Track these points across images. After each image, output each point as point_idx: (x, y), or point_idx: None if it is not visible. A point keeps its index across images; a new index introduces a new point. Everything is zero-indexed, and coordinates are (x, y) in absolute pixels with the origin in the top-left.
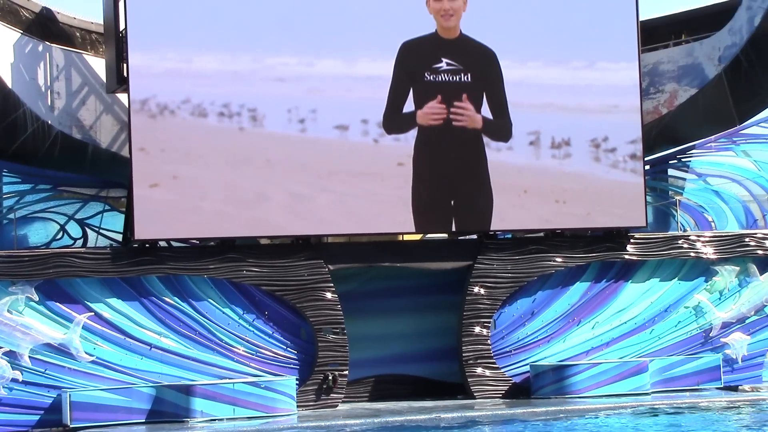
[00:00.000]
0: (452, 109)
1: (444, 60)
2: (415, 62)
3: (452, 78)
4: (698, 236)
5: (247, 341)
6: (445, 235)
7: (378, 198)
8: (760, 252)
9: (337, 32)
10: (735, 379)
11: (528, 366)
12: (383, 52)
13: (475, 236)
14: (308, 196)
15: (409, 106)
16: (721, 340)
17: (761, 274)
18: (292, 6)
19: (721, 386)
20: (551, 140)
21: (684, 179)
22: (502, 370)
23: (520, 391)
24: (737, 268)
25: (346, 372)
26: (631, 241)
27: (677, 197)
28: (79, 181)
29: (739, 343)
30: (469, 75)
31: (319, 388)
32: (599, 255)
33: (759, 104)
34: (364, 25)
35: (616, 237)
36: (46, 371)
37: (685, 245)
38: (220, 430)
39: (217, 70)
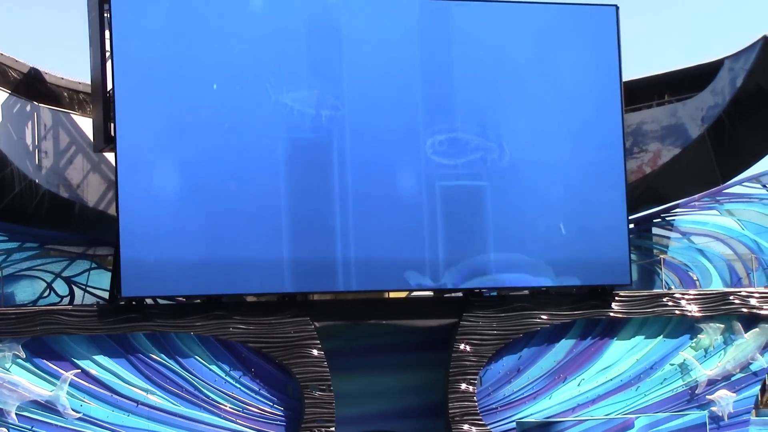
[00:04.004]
0: None
1: None
2: None
3: None
4: (683, 294)
5: (234, 398)
6: (431, 293)
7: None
8: (744, 310)
9: None
10: None
11: (514, 423)
12: None
13: (460, 294)
14: (295, 253)
15: None
16: (707, 397)
17: (746, 331)
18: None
19: None
20: (537, 199)
21: (668, 238)
22: (489, 427)
23: None
24: (722, 326)
25: (333, 429)
26: (616, 298)
27: (661, 256)
28: (66, 239)
29: (725, 401)
30: None
31: None
32: (584, 312)
33: (742, 164)
34: None
35: (601, 295)
36: (33, 428)
37: (670, 303)
38: None
39: (205, 126)
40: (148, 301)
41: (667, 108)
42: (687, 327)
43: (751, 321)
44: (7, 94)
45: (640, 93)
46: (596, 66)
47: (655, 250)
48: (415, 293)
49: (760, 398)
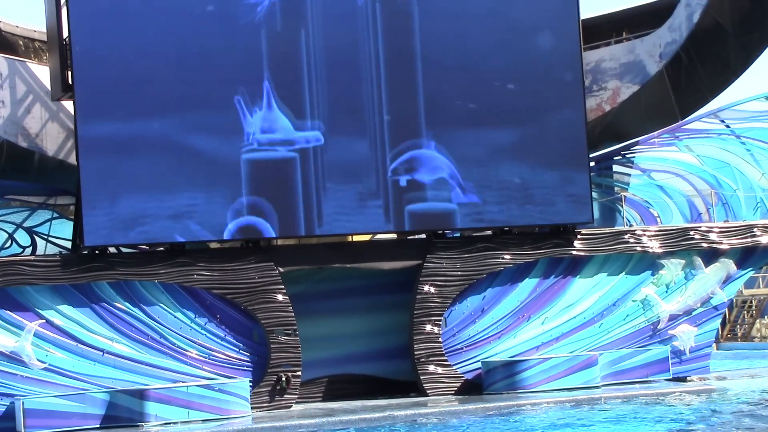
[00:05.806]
0: None
1: None
2: None
3: None
4: (644, 231)
5: (200, 344)
6: (394, 236)
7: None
8: (704, 245)
9: None
10: (683, 371)
11: (479, 362)
12: None
13: (423, 235)
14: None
15: None
16: (669, 332)
17: (706, 266)
18: None
19: (670, 377)
20: (496, 140)
21: (629, 175)
22: (454, 367)
23: (473, 388)
24: (683, 261)
25: (299, 373)
26: (578, 237)
27: (622, 193)
28: (26, 189)
29: (686, 335)
30: None
31: (273, 389)
32: (547, 251)
33: (700, 99)
34: None
35: (563, 233)
36: None
37: (632, 240)
38: None
39: (162, 70)
40: (111, 250)
41: (626, 45)
42: (648, 263)
43: (711, 255)
44: None
45: (599, 30)
46: (554, 4)
47: (615, 188)
48: (378, 236)
49: (720, 332)
